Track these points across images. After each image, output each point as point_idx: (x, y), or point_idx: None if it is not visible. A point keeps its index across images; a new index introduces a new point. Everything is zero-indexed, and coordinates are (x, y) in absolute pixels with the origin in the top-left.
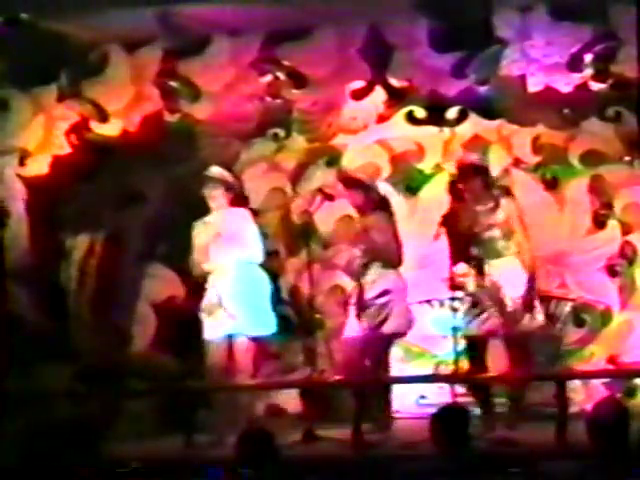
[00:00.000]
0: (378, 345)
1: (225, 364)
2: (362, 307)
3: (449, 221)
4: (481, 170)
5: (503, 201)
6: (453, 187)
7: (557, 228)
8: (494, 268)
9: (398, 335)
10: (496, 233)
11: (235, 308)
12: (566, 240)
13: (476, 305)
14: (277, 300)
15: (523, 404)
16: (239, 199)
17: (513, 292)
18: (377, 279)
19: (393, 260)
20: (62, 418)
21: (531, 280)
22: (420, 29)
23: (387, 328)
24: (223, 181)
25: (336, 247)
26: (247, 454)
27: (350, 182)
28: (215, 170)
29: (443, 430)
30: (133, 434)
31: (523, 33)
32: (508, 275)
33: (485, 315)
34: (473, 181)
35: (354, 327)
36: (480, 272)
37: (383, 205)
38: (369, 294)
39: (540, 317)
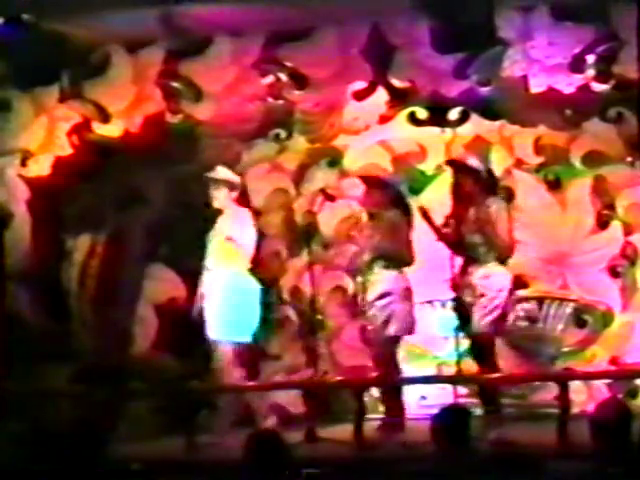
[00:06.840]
0: (381, 347)
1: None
2: (363, 308)
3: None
4: (471, 171)
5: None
6: (456, 188)
7: (559, 229)
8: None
9: (400, 338)
10: (477, 239)
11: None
12: (568, 241)
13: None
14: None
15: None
16: (242, 198)
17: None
18: (380, 279)
19: (405, 259)
20: (62, 419)
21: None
22: (422, 30)
23: (389, 331)
24: (227, 182)
25: (337, 247)
26: (257, 455)
27: (371, 181)
28: (219, 171)
29: (444, 431)
30: (134, 435)
31: (525, 34)
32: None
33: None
34: (464, 181)
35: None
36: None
37: (400, 203)
38: (371, 295)
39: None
